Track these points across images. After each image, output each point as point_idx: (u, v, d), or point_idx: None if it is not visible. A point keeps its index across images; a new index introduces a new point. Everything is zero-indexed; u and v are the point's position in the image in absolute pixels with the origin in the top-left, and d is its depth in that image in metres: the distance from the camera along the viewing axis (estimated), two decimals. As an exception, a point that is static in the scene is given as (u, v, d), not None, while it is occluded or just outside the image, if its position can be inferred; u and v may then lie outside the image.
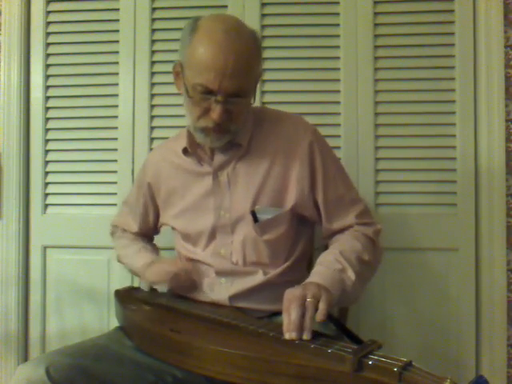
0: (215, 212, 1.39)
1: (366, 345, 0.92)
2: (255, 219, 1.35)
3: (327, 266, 1.21)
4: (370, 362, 0.84)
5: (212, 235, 1.40)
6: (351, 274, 1.20)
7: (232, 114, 1.26)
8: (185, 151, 1.42)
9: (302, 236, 1.44)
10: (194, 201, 1.43)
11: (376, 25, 1.93)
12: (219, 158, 1.38)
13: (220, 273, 1.38)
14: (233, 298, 1.35)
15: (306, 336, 0.98)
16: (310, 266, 1.51)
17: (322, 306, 1.03)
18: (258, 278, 1.36)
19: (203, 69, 1.21)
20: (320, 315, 1.01)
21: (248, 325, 1.09)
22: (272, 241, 1.37)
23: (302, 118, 1.46)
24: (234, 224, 1.38)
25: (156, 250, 1.63)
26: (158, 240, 1.72)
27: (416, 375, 0.80)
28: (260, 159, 1.37)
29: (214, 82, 1.20)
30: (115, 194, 2.01)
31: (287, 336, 0.99)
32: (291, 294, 1.07)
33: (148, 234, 1.66)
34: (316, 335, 0.99)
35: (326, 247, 1.38)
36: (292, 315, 1.01)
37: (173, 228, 1.53)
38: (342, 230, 1.37)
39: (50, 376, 1.10)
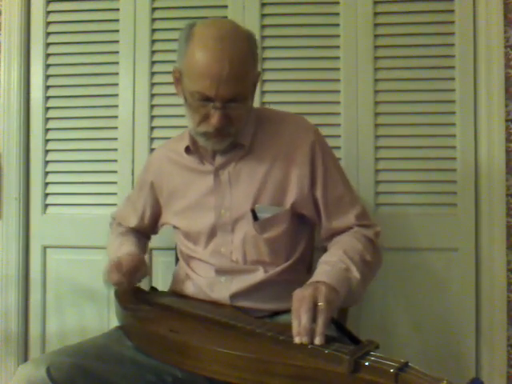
0: (216, 211, 1.40)
1: (362, 345, 0.92)
2: (255, 217, 1.36)
3: (332, 266, 1.20)
4: (367, 363, 0.84)
5: (212, 234, 1.41)
6: (356, 273, 1.20)
7: (231, 118, 1.27)
8: (187, 150, 1.43)
9: (303, 236, 1.44)
10: (195, 199, 1.43)
11: (376, 25, 1.93)
12: (221, 158, 1.39)
13: (220, 271, 1.39)
14: (233, 296, 1.35)
15: (319, 341, 0.96)
16: (309, 267, 1.51)
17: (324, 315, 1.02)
18: (259, 275, 1.36)
19: (199, 77, 1.23)
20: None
21: (246, 325, 1.09)
22: (272, 239, 1.37)
23: (304, 118, 1.47)
24: (235, 223, 1.38)
25: (141, 246, 1.58)
26: (158, 240, 1.73)
27: (412, 376, 0.81)
28: (261, 159, 1.38)
29: (211, 89, 1.22)
30: (115, 194, 2.01)
31: (297, 340, 0.98)
32: (301, 295, 1.06)
33: (143, 231, 1.65)
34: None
35: (324, 250, 1.38)
36: (303, 319, 1.00)
37: (174, 227, 1.53)
38: (341, 231, 1.38)
39: (50, 376, 1.10)
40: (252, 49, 1.29)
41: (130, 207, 1.64)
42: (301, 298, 1.04)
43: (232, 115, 1.27)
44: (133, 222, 1.62)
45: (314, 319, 1.00)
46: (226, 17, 1.96)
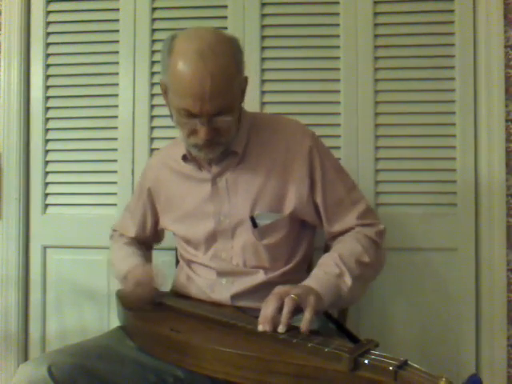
0: (215, 217, 1.39)
1: (362, 344, 0.92)
2: (254, 224, 1.36)
3: (325, 271, 1.22)
4: (366, 361, 0.85)
5: (212, 240, 1.41)
6: (348, 280, 1.21)
7: (220, 130, 1.26)
8: (184, 158, 1.43)
9: (303, 240, 1.44)
10: (193, 206, 1.43)
11: (376, 25, 1.93)
12: (217, 165, 1.39)
13: (221, 273, 1.39)
14: (234, 297, 1.36)
15: (281, 329, 1.01)
16: (310, 267, 1.51)
17: (307, 315, 1.04)
18: (259, 277, 1.36)
19: (182, 94, 1.21)
20: (304, 325, 1.02)
21: (246, 324, 1.09)
22: (272, 245, 1.37)
23: (300, 123, 1.45)
24: (234, 229, 1.38)
25: (147, 257, 1.60)
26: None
27: (411, 374, 0.81)
28: (258, 165, 1.37)
29: (195, 107, 1.20)
30: (115, 194, 2.01)
31: (260, 328, 1.04)
32: (277, 289, 1.10)
33: (145, 240, 1.65)
34: (314, 334, 1.00)
35: (326, 247, 1.39)
36: (268, 308, 1.05)
37: (173, 233, 1.54)
38: (343, 232, 1.38)
39: (52, 375, 1.10)
40: (235, 57, 1.25)
41: (130, 218, 1.64)
42: (275, 292, 1.09)
43: (220, 127, 1.25)
44: (132, 231, 1.62)
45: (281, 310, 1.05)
46: (226, 17, 1.97)
